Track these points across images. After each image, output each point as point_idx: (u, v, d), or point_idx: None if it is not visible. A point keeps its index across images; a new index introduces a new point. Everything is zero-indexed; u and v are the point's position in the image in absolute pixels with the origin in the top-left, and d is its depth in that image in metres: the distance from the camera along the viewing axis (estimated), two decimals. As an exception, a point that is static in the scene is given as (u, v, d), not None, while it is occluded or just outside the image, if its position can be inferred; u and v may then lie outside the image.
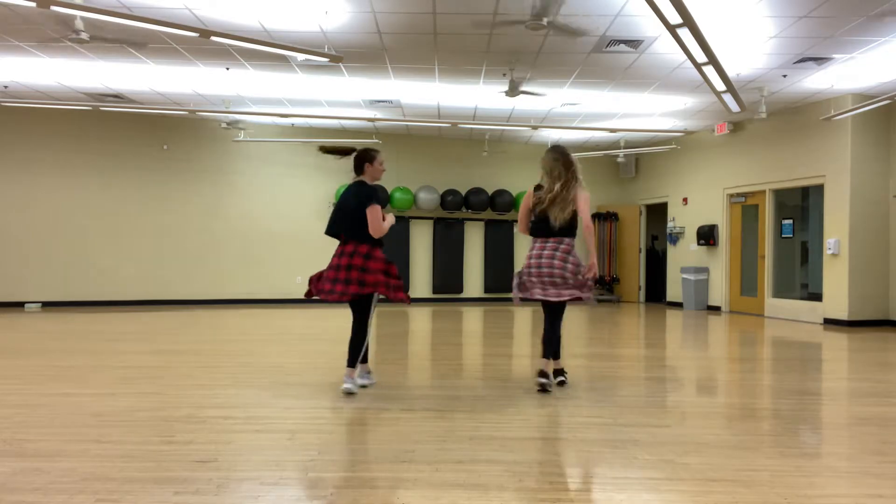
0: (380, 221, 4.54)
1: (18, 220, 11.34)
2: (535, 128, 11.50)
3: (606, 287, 14.40)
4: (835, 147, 9.83)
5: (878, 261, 9.75)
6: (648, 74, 8.62)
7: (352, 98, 10.18)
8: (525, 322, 10.09)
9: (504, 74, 8.57)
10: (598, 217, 14.51)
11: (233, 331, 8.81)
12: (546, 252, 4.69)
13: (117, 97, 10.23)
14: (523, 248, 4.43)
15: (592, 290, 4.75)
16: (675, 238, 13.42)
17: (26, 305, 11.25)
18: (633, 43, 7.39)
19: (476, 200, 13.42)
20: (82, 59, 8.25)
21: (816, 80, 8.79)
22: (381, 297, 4.62)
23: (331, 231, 4.76)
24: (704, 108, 10.46)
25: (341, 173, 11.21)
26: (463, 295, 13.72)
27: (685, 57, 6.65)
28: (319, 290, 4.62)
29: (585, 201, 4.69)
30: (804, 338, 8.61)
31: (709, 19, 6.45)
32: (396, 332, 9.02)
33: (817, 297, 10.42)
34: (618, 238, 14.51)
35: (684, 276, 12.54)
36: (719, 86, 7.38)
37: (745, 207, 11.87)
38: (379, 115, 11.29)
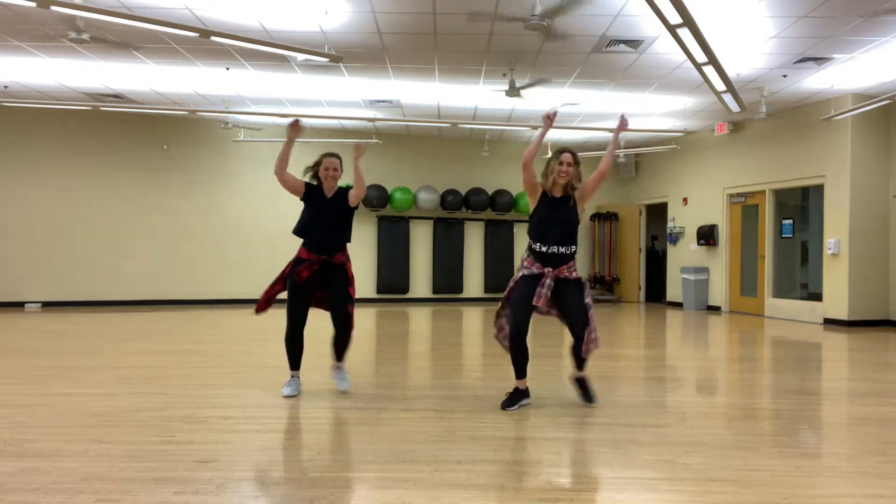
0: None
1: (18, 219, 11.33)
2: (534, 128, 11.48)
3: (606, 287, 14.40)
4: (835, 147, 9.83)
5: (878, 261, 9.75)
6: (648, 74, 8.61)
7: (352, 98, 10.18)
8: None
9: (504, 74, 8.56)
10: (598, 217, 14.53)
11: (233, 331, 8.80)
12: None
13: (117, 97, 10.23)
14: (523, 247, 4.37)
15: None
16: (675, 238, 13.42)
17: (26, 305, 11.25)
18: (633, 43, 7.39)
19: (476, 200, 13.41)
20: (82, 59, 8.25)
21: (816, 80, 8.79)
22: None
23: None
24: (704, 108, 10.46)
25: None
26: (463, 295, 13.71)
27: (685, 57, 6.65)
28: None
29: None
30: (804, 338, 8.61)
31: (709, 19, 6.45)
32: (396, 332, 9.03)
33: (817, 297, 10.42)
34: (618, 238, 14.50)
35: (684, 276, 12.54)
36: (719, 86, 7.38)
37: (745, 207, 11.87)
38: (379, 115, 11.29)
